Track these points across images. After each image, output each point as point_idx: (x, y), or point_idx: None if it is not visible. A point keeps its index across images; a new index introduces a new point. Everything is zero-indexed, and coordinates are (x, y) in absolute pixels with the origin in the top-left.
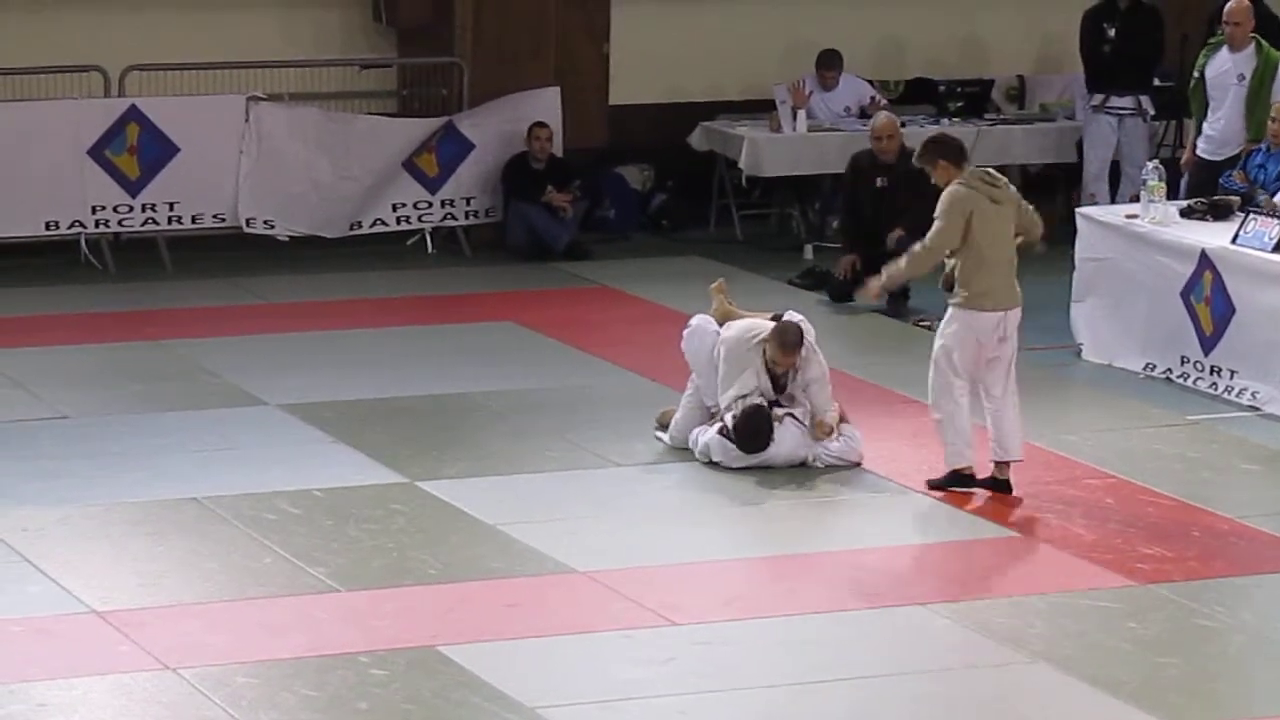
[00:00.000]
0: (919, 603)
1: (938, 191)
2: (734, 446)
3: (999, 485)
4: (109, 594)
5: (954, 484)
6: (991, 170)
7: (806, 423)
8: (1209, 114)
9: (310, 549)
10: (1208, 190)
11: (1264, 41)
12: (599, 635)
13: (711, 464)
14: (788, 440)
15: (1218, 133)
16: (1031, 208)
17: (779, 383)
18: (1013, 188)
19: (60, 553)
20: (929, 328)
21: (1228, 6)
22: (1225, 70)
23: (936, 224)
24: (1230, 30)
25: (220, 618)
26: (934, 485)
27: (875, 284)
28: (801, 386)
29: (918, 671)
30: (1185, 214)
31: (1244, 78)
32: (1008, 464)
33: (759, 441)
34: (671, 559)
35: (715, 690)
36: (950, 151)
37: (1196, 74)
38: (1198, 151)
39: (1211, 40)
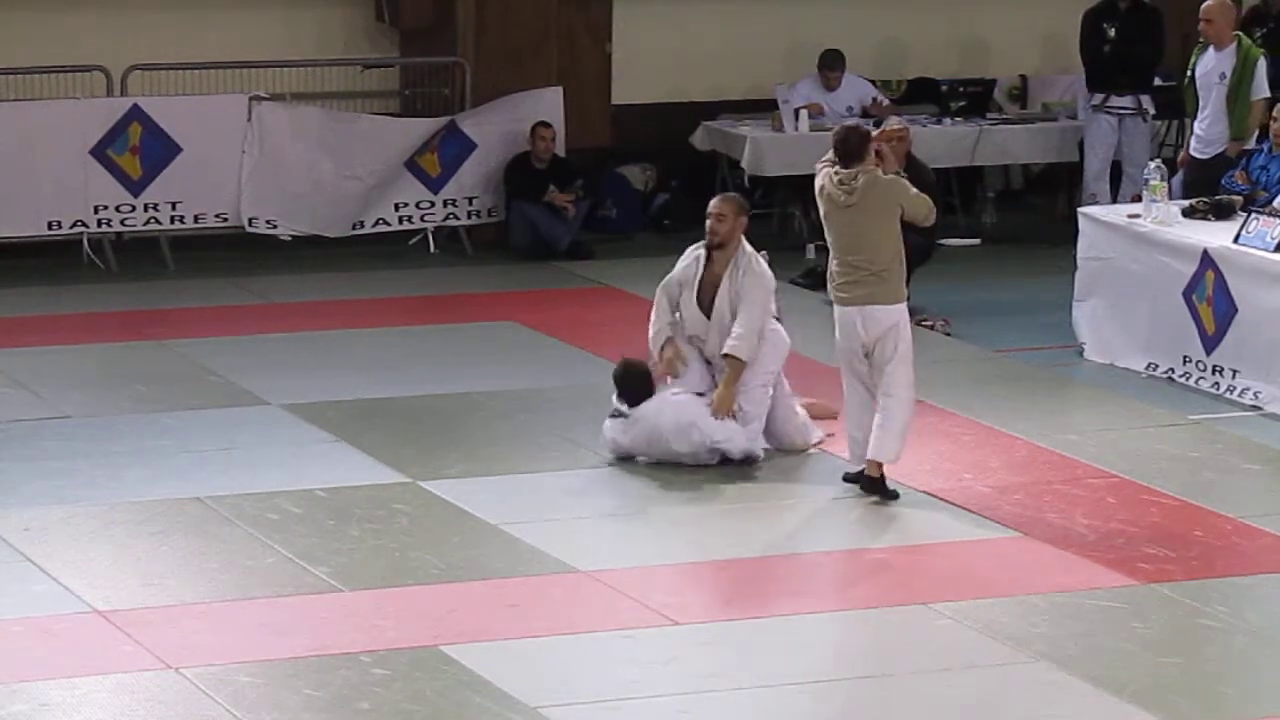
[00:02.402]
0: (920, 602)
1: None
2: (620, 422)
3: (865, 483)
4: (111, 594)
5: (850, 480)
6: (848, 172)
7: (715, 408)
8: (1198, 113)
9: (312, 549)
10: (1201, 189)
11: (1245, 39)
12: (601, 635)
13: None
14: (669, 411)
15: (1204, 131)
16: (914, 196)
17: (706, 296)
18: (886, 183)
19: (63, 552)
20: (931, 327)
21: (1204, 5)
22: (1210, 69)
23: None
24: (1203, 28)
25: (223, 617)
26: (847, 479)
27: None
28: (733, 294)
29: (919, 671)
30: (1187, 214)
31: (1225, 76)
32: (877, 464)
33: (629, 387)
34: (673, 559)
35: (716, 690)
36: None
37: (1189, 74)
38: (1191, 151)
39: (1202, 39)
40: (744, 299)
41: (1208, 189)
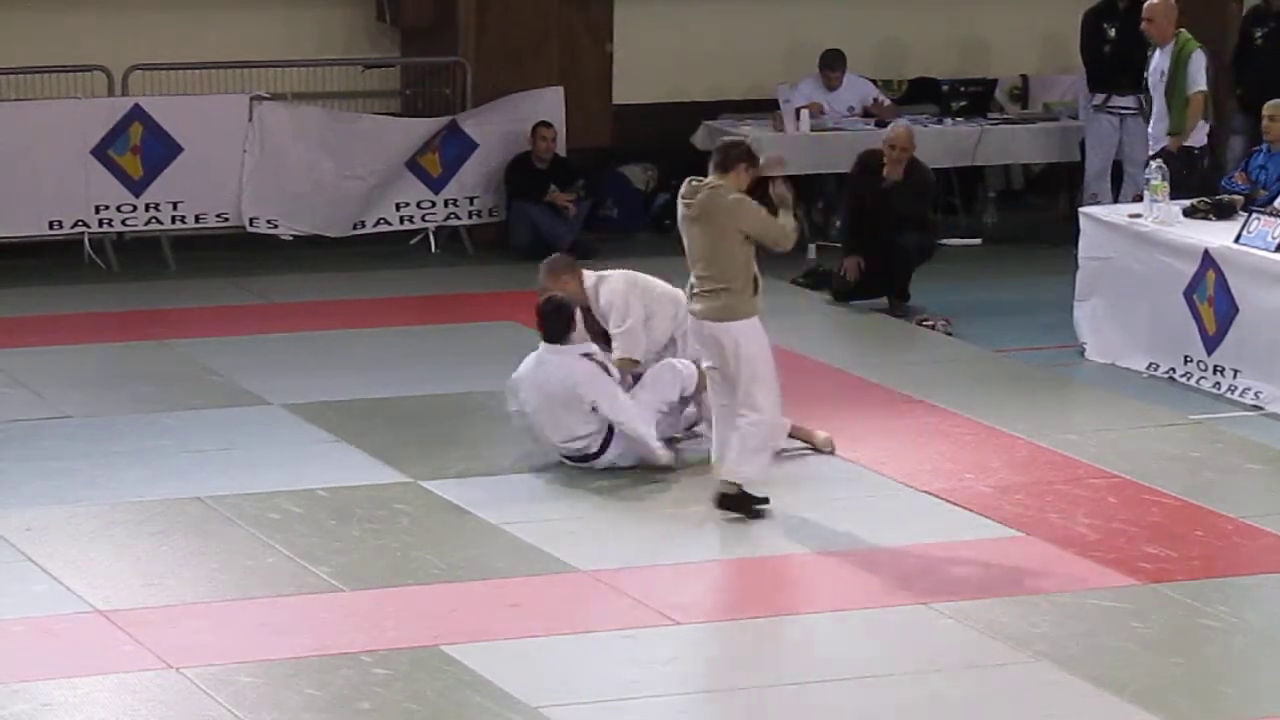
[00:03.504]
0: (921, 602)
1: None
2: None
3: (717, 500)
4: (112, 593)
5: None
6: (701, 181)
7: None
8: (1153, 112)
9: (313, 548)
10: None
11: (1184, 35)
12: (601, 635)
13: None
14: (565, 373)
15: (1153, 129)
16: (754, 231)
17: (593, 328)
18: (729, 203)
19: (63, 552)
20: (932, 327)
21: (1145, 4)
22: (1154, 67)
23: None
24: (1145, 27)
25: (223, 617)
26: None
27: None
28: (604, 318)
29: (920, 671)
30: (1188, 213)
31: (1164, 73)
32: (728, 483)
33: (551, 324)
34: (674, 559)
35: (716, 690)
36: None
37: (1145, 75)
38: (1148, 150)
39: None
40: (609, 318)
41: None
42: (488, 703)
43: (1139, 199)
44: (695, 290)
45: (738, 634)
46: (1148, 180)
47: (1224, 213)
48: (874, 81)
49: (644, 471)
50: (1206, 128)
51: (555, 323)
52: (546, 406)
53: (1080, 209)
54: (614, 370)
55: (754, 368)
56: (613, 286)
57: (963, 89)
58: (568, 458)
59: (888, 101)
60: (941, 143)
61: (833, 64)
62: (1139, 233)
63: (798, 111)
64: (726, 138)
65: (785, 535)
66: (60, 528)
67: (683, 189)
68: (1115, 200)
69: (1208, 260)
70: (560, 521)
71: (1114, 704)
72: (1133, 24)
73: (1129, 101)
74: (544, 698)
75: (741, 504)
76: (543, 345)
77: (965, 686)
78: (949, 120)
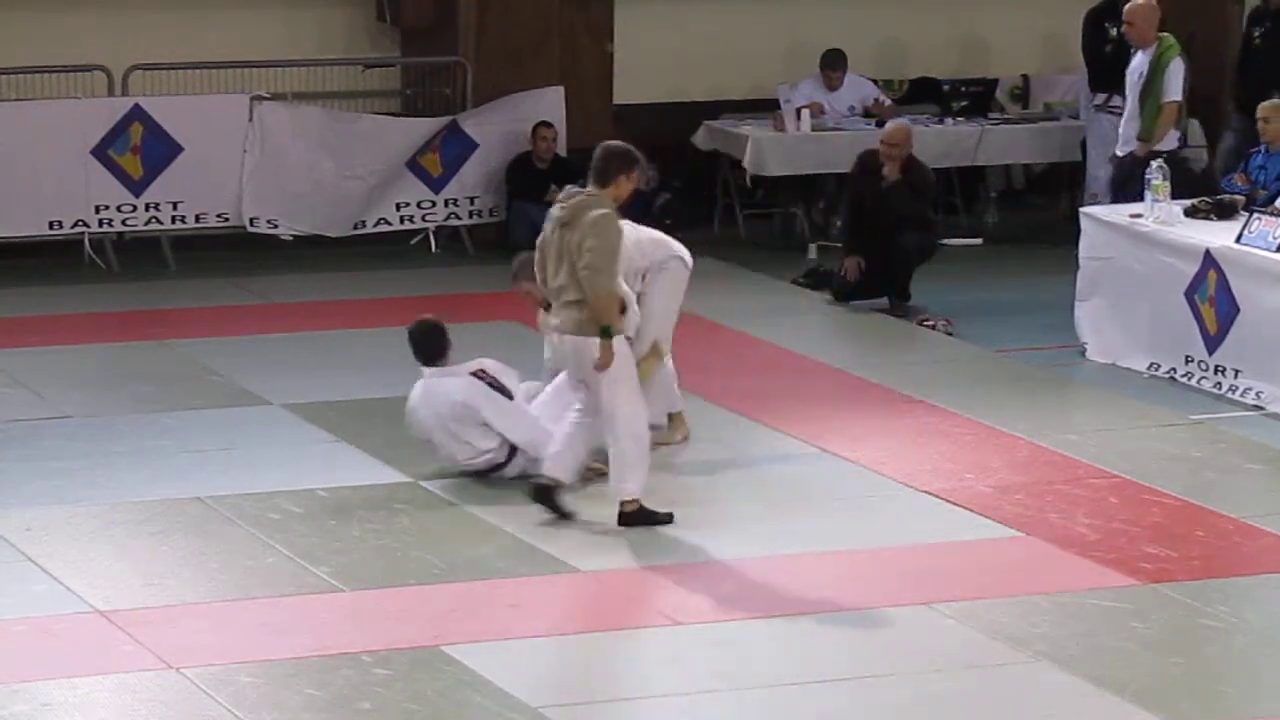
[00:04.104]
0: (921, 602)
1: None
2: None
3: (621, 519)
4: (112, 594)
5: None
6: (576, 190)
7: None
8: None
9: (313, 548)
10: (1121, 186)
11: (1167, 40)
12: (602, 635)
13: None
14: (445, 393)
15: (1123, 130)
16: (588, 251)
17: None
18: (592, 218)
19: (63, 552)
20: (932, 327)
21: (1126, 6)
22: (1133, 69)
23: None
24: (1126, 30)
25: (223, 617)
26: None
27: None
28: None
29: (920, 671)
30: (1189, 213)
31: (1142, 76)
32: (621, 500)
33: (424, 348)
34: (674, 559)
35: (717, 690)
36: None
37: (1126, 71)
38: (1116, 149)
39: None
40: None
41: (1121, 186)
42: (488, 703)
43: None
44: (555, 301)
45: (738, 634)
46: (1149, 180)
47: (1225, 213)
48: (875, 81)
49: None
50: (1177, 135)
51: (428, 346)
52: (443, 427)
53: (1081, 209)
54: (511, 383)
55: (615, 385)
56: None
57: (963, 89)
58: (479, 472)
59: (888, 101)
60: (942, 142)
61: (833, 64)
62: (1140, 233)
63: (798, 111)
64: (607, 144)
65: (785, 535)
66: (60, 528)
67: (562, 194)
68: (1115, 200)
69: (1209, 260)
70: (559, 522)
71: (1114, 704)
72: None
73: None
74: (544, 698)
75: (643, 518)
76: (425, 371)
77: (965, 686)
78: (950, 120)
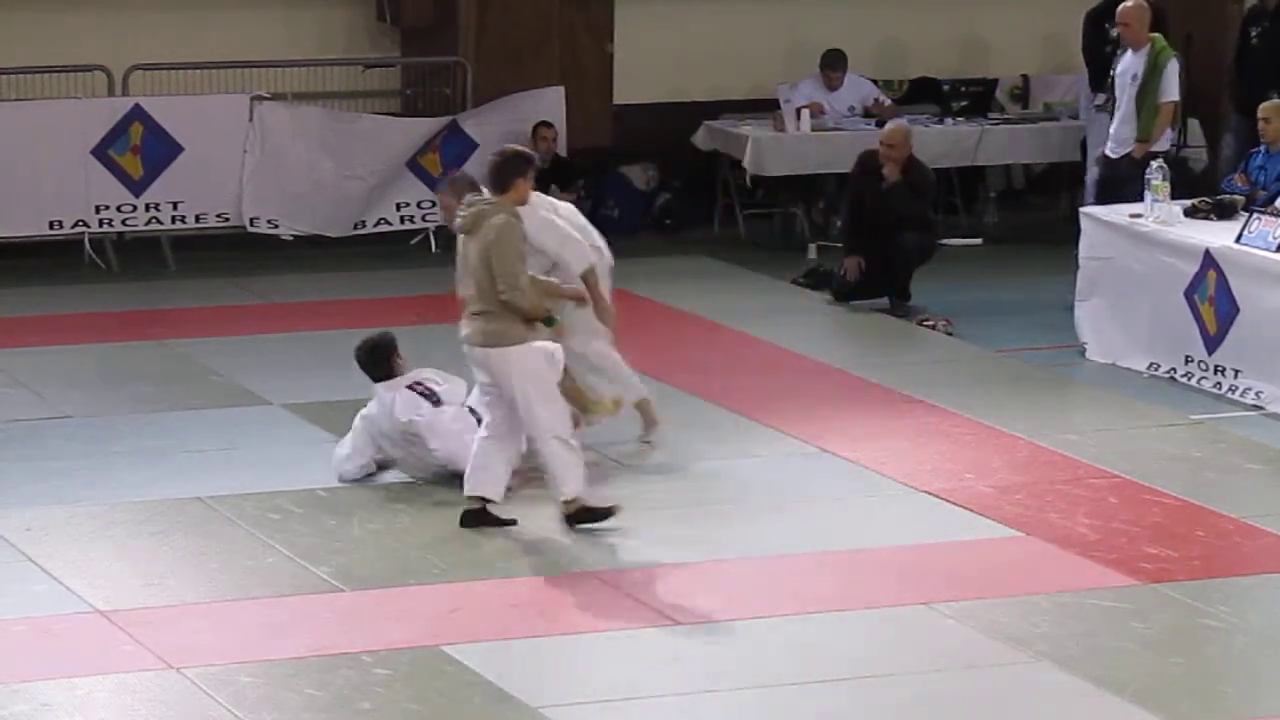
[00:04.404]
0: (922, 602)
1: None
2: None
3: (567, 519)
4: (112, 594)
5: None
6: (476, 198)
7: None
8: (1114, 113)
9: (313, 548)
10: (1111, 188)
11: (1160, 41)
12: (602, 635)
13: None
14: (387, 408)
15: (1115, 131)
16: (500, 277)
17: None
18: (493, 232)
19: (63, 552)
20: (932, 327)
21: (1119, 7)
22: (1124, 70)
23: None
24: (1120, 31)
25: (223, 617)
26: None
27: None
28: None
29: (920, 671)
30: (1189, 213)
31: (1136, 77)
32: (563, 503)
33: (371, 365)
34: (675, 559)
35: (717, 690)
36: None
37: (1111, 74)
38: (1105, 150)
39: (1120, 41)
40: (534, 242)
41: (1115, 188)
42: (488, 703)
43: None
44: (465, 312)
45: (738, 634)
46: (1149, 180)
47: (1225, 213)
48: (875, 81)
49: (645, 472)
50: (1170, 135)
51: (374, 363)
52: (394, 443)
53: (1081, 209)
54: (456, 392)
55: (529, 393)
56: (540, 217)
57: (963, 89)
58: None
59: (888, 101)
60: (942, 142)
61: (833, 64)
62: (1140, 233)
63: (798, 111)
64: (502, 149)
65: (785, 535)
66: (60, 528)
67: (464, 201)
68: (1104, 201)
69: (1209, 260)
70: (560, 521)
71: (1114, 704)
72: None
73: None
74: (544, 698)
75: (589, 516)
76: (376, 387)
77: (965, 686)
78: (950, 120)
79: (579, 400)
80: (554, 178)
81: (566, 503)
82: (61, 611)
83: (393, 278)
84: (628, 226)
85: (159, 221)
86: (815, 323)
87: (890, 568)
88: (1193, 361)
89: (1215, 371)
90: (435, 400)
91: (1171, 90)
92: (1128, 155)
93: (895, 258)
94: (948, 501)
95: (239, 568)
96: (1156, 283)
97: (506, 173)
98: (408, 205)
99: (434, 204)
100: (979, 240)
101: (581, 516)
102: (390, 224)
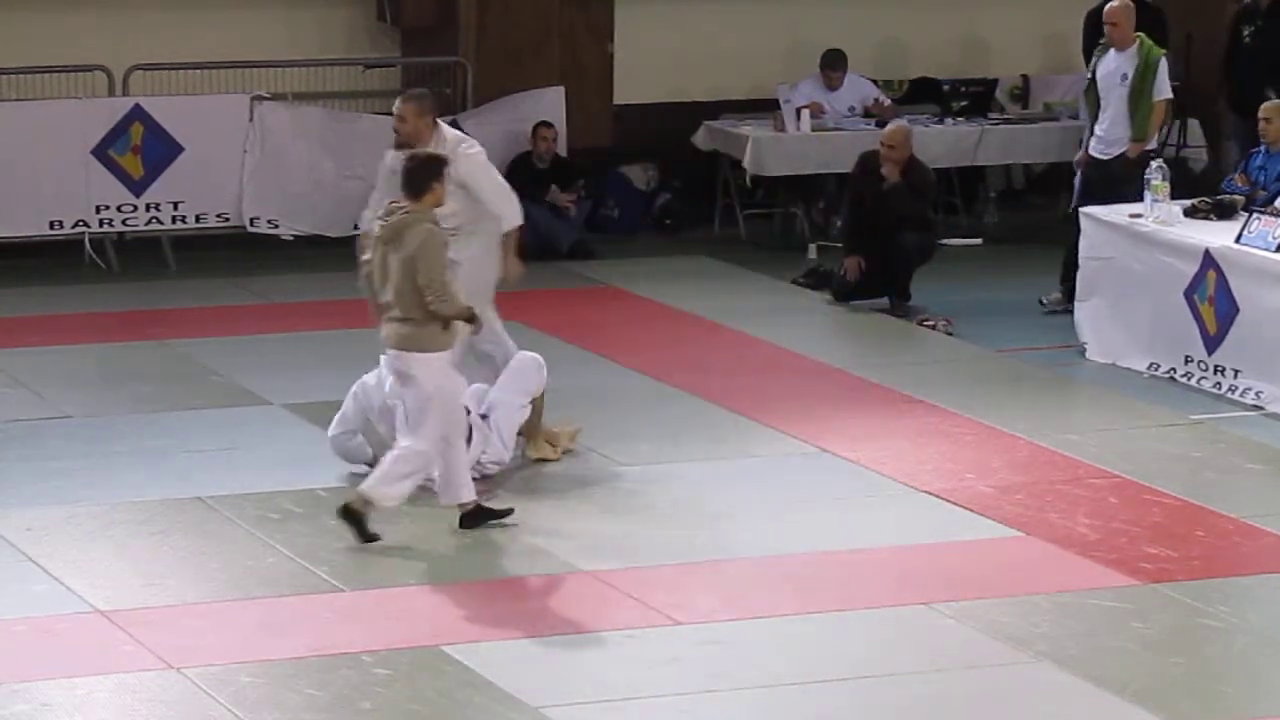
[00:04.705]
0: (922, 602)
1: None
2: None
3: (342, 511)
4: (112, 594)
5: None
6: (399, 205)
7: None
8: (1099, 114)
9: (314, 548)
10: (1100, 189)
11: (1147, 40)
12: (603, 635)
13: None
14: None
15: (1105, 132)
16: (427, 287)
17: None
18: (417, 242)
19: (64, 552)
20: (933, 327)
21: (1107, 7)
22: (1111, 70)
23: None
24: (1109, 30)
25: (224, 617)
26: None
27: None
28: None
29: (920, 671)
30: (1189, 214)
31: (1127, 77)
32: (361, 499)
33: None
34: (675, 559)
35: (718, 690)
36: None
37: (1089, 75)
38: (1090, 151)
39: (1102, 40)
40: (469, 184)
41: (1106, 189)
42: (489, 703)
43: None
44: (385, 315)
45: (738, 634)
46: (1148, 180)
47: (1225, 213)
48: (875, 81)
49: (648, 472)
50: (1159, 133)
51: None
52: (379, 418)
53: (1081, 209)
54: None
55: (426, 403)
56: (474, 158)
57: (963, 89)
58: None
59: (888, 101)
60: (942, 142)
61: (833, 64)
62: (1140, 233)
63: (798, 111)
64: (413, 153)
65: (785, 535)
66: (60, 528)
67: (383, 210)
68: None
69: (1208, 260)
70: (560, 521)
71: (1114, 704)
72: (1135, 24)
73: None
74: (544, 698)
75: (485, 516)
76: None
77: (965, 686)
78: (950, 120)
79: (533, 430)
80: (554, 178)
81: (462, 504)
82: (62, 611)
83: None
84: (628, 226)
85: (159, 221)
86: (815, 323)
87: (890, 568)
88: (1193, 361)
89: (1215, 371)
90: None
91: (1165, 88)
92: (1121, 156)
93: (895, 258)
94: (948, 501)
95: (239, 568)
96: (1156, 283)
97: (422, 178)
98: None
99: None
100: (979, 240)
101: (477, 517)
102: None
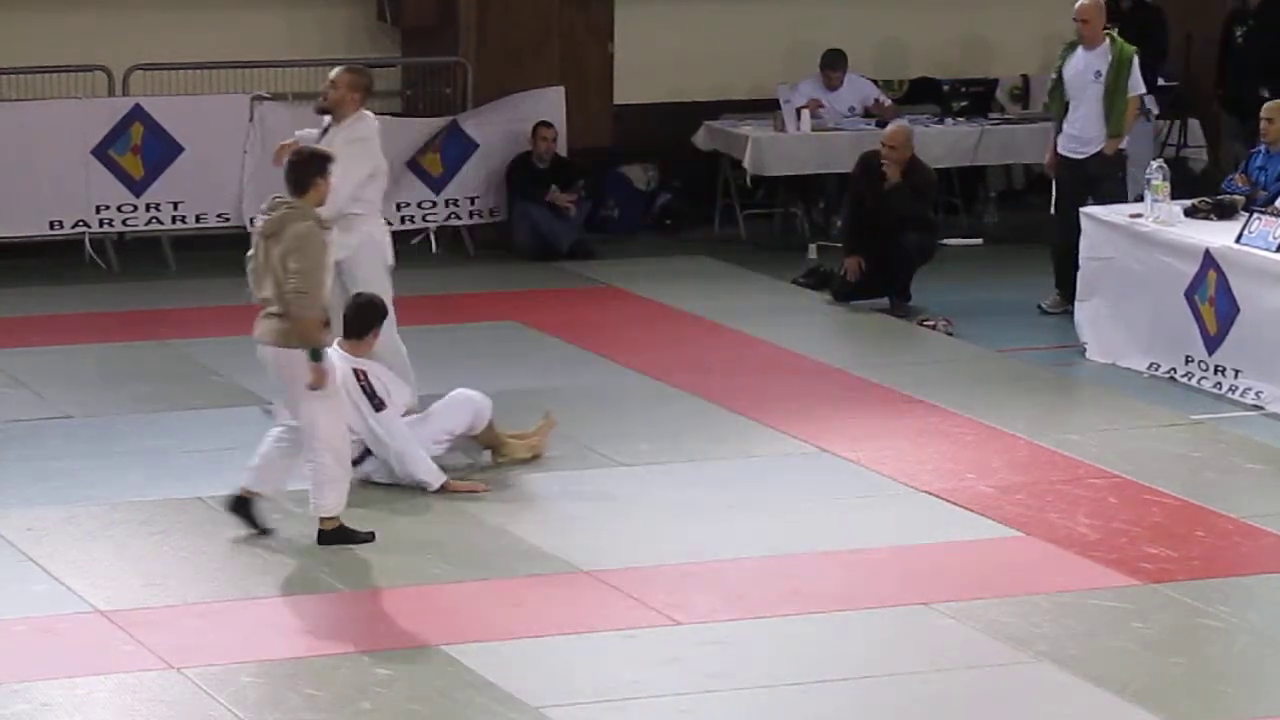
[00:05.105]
0: (922, 602)
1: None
2: None
3: (321, 538)
4: (113, 593)
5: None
6: (282, 199)
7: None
8: (1069, 112)
9: (313, 548)
10: (1075, 188)
11: (1117, 38)
12: (603, 635)
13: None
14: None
15: (1078, 131)
16: (294, 275)
17: None
18: (296, 234)
19: (64, 552)
20: (933, 327)
21: (1078, 4)
22: (1082, 69)
23: None
24: (1080, 28)
25: (224, 617)
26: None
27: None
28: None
29: (920, 671)
30: (1189, 213)
31: (1100, 74)
32: (321, 519)
33: (351, 320)
34: (675, 559)
35: (718, 690)
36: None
37: (1055, 74)
38: (1060, 151)
39: (1073, 38)
40: (339, 159)
41: (1082, 188)
42: (489, 703)
43: (1140, 199)
44: (264, 311)
45: (738, 634)
46: (1148, 180)
47: (1225, 213)
48: (875, 81)
49: (648, 471)
50: (1160, 133)
51: (357, 323)
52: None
53: (1081, 209)
54: (398, 395)
55: (313, 399)
56: (358, 132)
57: (964, 89)
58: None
59: (889, 102)
60: (942, 142)
61: (833, 64)
62: (1140, 233)
63: (798, 111)
64: (298, 149)
65: (785, 535)
66: (61, 528)
67: (266, 204)
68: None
69: (1209, 260)
70: (563, 521)
71: (1114, 704)
72: (1135, 24)
73: None
74: (544, 698)
75: (342, 536)
76: (338, 342)
77: (965, 686)
78: (950, 120)
79: (495, 442)
80: (554, 178)
81: (324, 519)
82: (62, 611)
83: (393, 278)
84: (628, 226)
85: (159, 221)
86: (815, 323)
87: (890, 568)
88: (1193, 361)
89: (1215, 371)
90: (376, 403)
91: (1139, 84)
92: (1098, 154)
93: (896, 258)
94: (948, 501)
95: (240, 567)
96: (1156, 283)
97: (306, 173)
98: (408, 205)
99: (434, 204)
100: (979, 240)
101: (335, 536)
102: (390, 224)
